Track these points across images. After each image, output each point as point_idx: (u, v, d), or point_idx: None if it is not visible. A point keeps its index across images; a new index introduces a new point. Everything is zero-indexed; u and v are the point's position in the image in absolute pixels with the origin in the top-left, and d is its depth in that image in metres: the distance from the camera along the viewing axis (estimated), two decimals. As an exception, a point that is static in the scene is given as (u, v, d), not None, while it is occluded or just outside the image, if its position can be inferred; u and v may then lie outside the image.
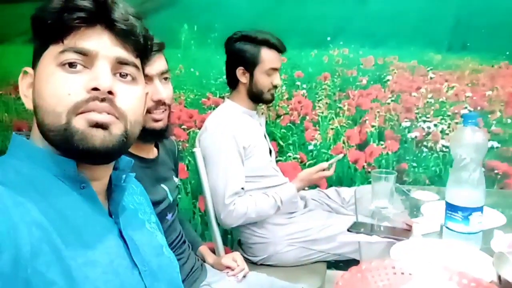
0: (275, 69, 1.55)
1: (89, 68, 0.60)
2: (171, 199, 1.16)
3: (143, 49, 0.67)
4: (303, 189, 1.64)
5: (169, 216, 1.16)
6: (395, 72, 2.00)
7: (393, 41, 1.96)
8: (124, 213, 0.70)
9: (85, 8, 0.58)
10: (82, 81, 0.59)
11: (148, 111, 1.03)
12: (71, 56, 0.59)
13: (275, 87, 1.58)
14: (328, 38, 2.01)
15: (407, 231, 1.10)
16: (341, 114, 2.06)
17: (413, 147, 2.02)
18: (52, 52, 0.59)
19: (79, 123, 0.58)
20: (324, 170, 1.53)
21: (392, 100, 2.02)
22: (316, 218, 1.60)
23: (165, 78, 1.07)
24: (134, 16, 0.64)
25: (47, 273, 0.52)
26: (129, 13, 0.63)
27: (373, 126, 2.05)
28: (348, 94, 2.05)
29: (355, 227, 1.20)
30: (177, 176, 1.28)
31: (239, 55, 1.54)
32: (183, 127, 2.22)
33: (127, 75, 0.64)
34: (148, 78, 1.02)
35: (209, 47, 2.13)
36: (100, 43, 0.60)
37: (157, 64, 1.04)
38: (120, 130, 0.61)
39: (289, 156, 2.13)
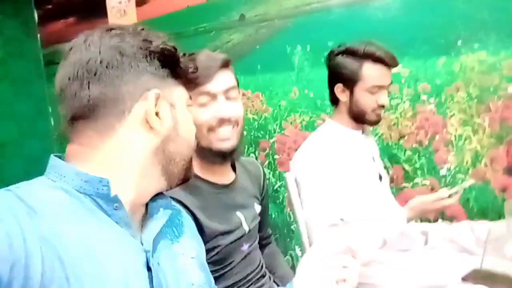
0: (381, 87, 1.35)
1: None
2: (246, 228, 1.07)
3: None
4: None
5: (244, 248, 1.07)
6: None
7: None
8: (157, 242, 0.66)
9: None
10: None
11: (212, 130, 0.99)
12: None
13: (382, 107, 1.37)
14: (459, 42, 1.69)
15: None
16: (480, 132, 1.69)
17: None
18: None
19: None
20: (440, 199, 1.24)
21: (553, 111, 1.58)
22: (439, 260, 1.30)
23: (230, 96, 1.01)
24: None
25: None
26: None
27: (527, 145, 1.62)
28: (489, 107, 1.67)
29: (473, 276, 0.92)
30: (261, 204, 1.19)
31: (338, 71, 1.39)
32: (299, 151, 2.13)
33: None
34: (211, 95, 0.98)
35: (323, 66, 1.99)
36: None
37: (221, 80, 0.99)
38: None
39: (417, 183, 1.84)
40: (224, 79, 0.99)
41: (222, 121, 0.98)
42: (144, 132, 0.62)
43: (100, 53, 0.61)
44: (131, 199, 0.62)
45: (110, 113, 0.61)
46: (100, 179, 0.59)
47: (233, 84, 1.02)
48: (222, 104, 0.99)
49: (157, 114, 0.63)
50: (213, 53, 1.01)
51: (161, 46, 0.64)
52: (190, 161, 0.71)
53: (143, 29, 0.66)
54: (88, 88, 0.60)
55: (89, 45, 0.62)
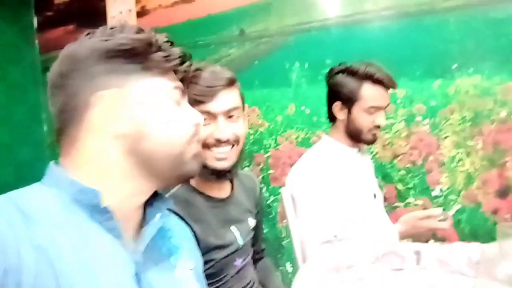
0: (379, 108, 1.37)
1: None
2: (240, 243, 1.07)
3: None
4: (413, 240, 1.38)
5: (238, 262, 1.07)
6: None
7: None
8: (151, 254, 0.65)
9: None
10: None
11: (208, 148, 0.98)
12: None
13: (378, 127, 1.39)
14: (454, 66, 1.72)
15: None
16: (473, 154, 1.72)
17: None
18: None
19: None
20: (432, 217, 1.25)
21: (545, 137, 1.61)
22: (430, 279, 1.31)
23: (232, 115, 0.99)
24: None
25: None
26: None
27: (518, 169, 1.65)
28: (482, 130, 1.70)
29: (466, 298, 0.92)
30: (256, 218, 1.19)
31: (337, 89, 1.41)
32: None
33: None
34: (212, 115, 0.97)
35: (320, 84, 2.00)
36: None
37: (223, 101, 0.98)
38: None
39: (409, 203, 1.85)
40: (227, 99, 0.98)
41: (219, 142, 0.97)
42: (108, 136, 0.60)
43: (59, 64, 0.62)
44: (118, 205, 0.61)
45: (73, 124, 0.61)
46: (91, 190, 0.59)
47: (236, 104, 1.00)
48: (221, 125, 0.97)
49: (118, 115, 0.61)
50: (218, 71, 0.99)
51: (120, 42, 0.61)
52: (188, 155, 0.66)
53: (114, 27, 0.63)
54: (55, 101, 0.62)
55: (58, 58, 0.63)
